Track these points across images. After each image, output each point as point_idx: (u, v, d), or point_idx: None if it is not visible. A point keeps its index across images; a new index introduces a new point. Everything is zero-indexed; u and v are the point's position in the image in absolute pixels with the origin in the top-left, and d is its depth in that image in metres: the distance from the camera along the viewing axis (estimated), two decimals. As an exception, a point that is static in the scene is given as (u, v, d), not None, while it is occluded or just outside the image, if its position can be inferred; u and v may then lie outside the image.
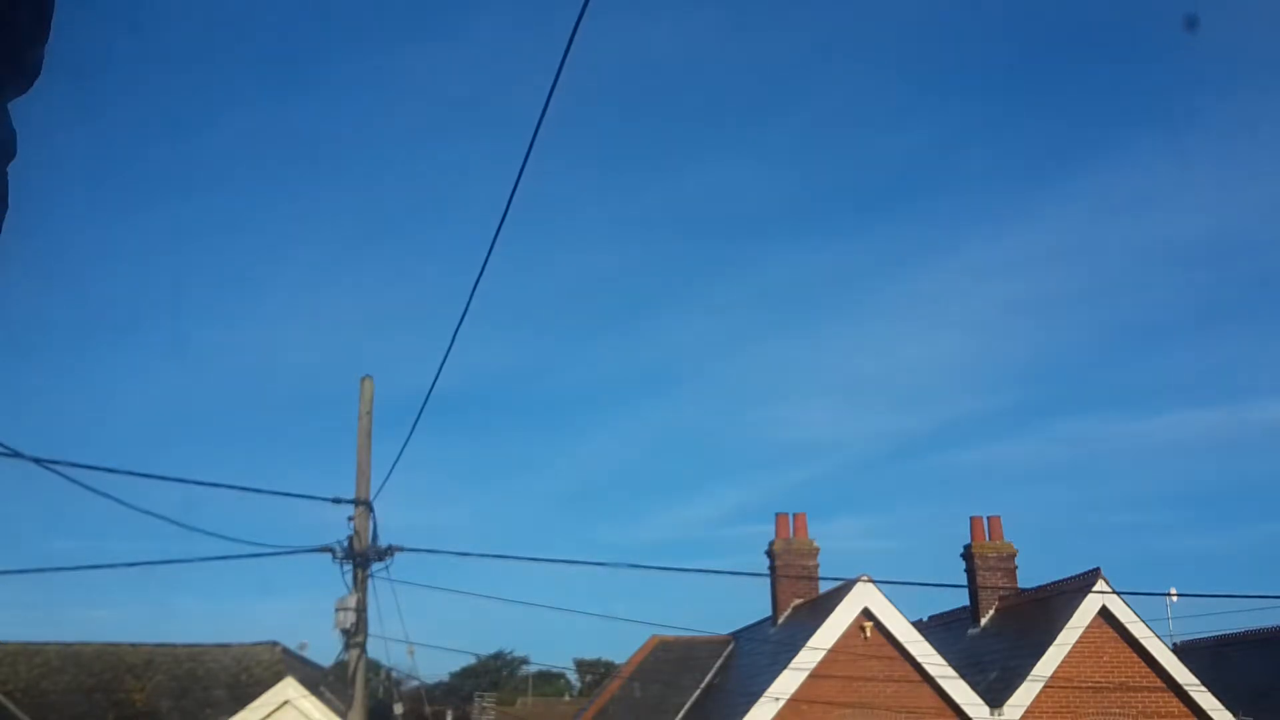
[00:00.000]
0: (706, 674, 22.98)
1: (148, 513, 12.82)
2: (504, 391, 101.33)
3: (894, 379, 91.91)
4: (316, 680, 20.94)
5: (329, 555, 14.19)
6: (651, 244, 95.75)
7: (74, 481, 10.94)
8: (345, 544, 14.28)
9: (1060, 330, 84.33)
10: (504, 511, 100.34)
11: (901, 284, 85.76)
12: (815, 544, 23.36)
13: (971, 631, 23.31)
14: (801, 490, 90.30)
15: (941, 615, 25.74)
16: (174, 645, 22.20)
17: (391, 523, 14.75)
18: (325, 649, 79.62)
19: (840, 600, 19.57)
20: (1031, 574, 30.08)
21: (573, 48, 5.84)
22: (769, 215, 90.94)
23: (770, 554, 23.42)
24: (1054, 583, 21.33)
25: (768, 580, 23.51)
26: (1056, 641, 19.46)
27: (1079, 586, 20.14)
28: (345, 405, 16.17)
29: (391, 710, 20.09)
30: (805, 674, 18.79)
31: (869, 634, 19.34)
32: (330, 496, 14.43)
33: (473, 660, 59.47)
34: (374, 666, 19.10)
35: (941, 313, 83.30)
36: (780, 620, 22.79)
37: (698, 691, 22.33)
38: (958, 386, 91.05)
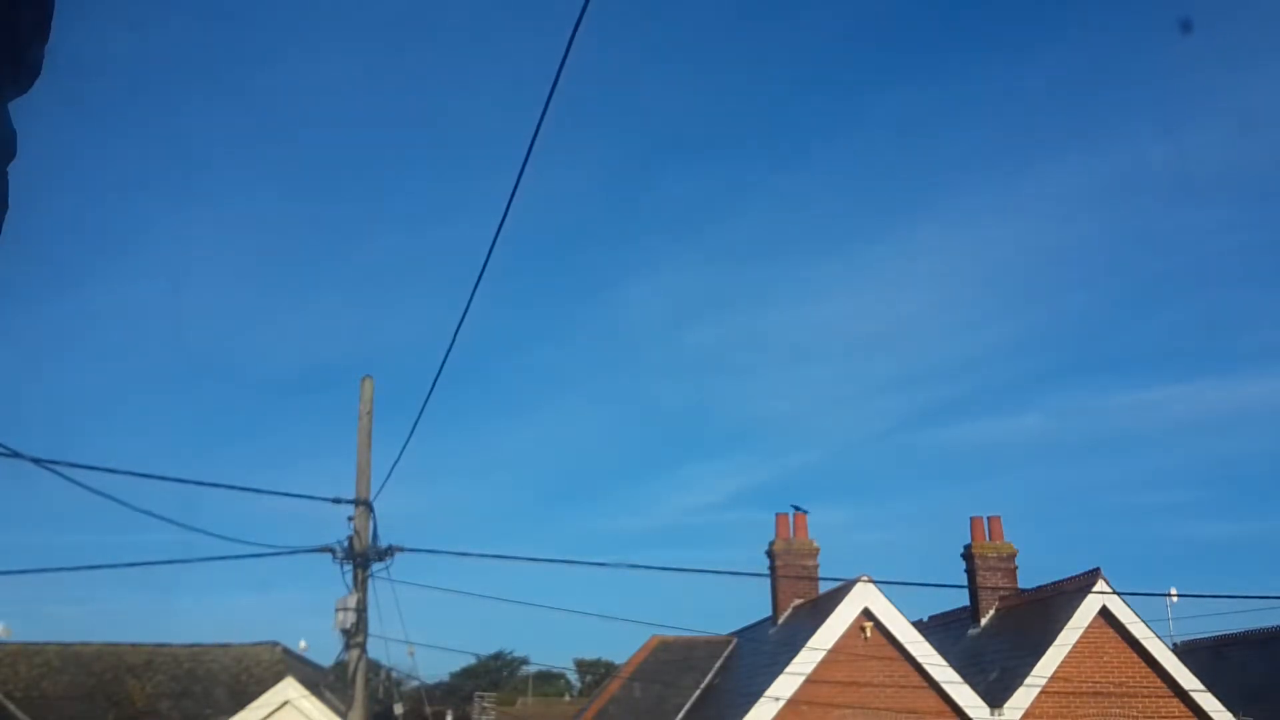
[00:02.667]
0: (706, 674, 22.97)
1: (148, 513, 12.81)
2: (457, 369, 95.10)
3: (883, 345, 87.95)
4: (316, 680, 20.94)
5: (329, 555, 14.19)
6: (612, 199, 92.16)
7: (74, 482, 10.95)
8: (345, 544, 14.28)
9: (1060, 289, 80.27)
10: (477, 500, 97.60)
11: (892, 239, 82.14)
12: (815, 544, 23.38)
13: (971, 631, 23.30)
14: (795, 474, 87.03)
15: (941, 615, 25.74)
16: (174, 645, 22.20)
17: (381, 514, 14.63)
18: (325, 649, 79.55)
19: (840, 600, 19.57)
20: (1031, 570, 29.85)
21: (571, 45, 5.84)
22: (744, 158, 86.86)
23: (770, 554, 23.44)
24: (1054, 583, 21.32)
25: (768, 579, 23.53)
26: (1057, 642, 19.46)
27: (1079, 586, 20.14)
28: (346, 405, 16.15)
29: (392, 710, 20.10)
30: (805, 674, 18.78)
31: (869, 634, 19.34)
32: (330, 496, 14.44)
33: (473, 660, 59.45)
34: (374, 666, 19.10)
35: (934, 270, 79.94)
36: (780, 620, 22.79)
37: (698, 692, 22.33)
38: (950, 353, 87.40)
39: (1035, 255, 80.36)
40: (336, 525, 14.53)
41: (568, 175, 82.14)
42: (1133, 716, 19.51)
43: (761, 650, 22.04)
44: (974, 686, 19.29)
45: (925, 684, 19.18)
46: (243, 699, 19.32)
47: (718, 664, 23.35)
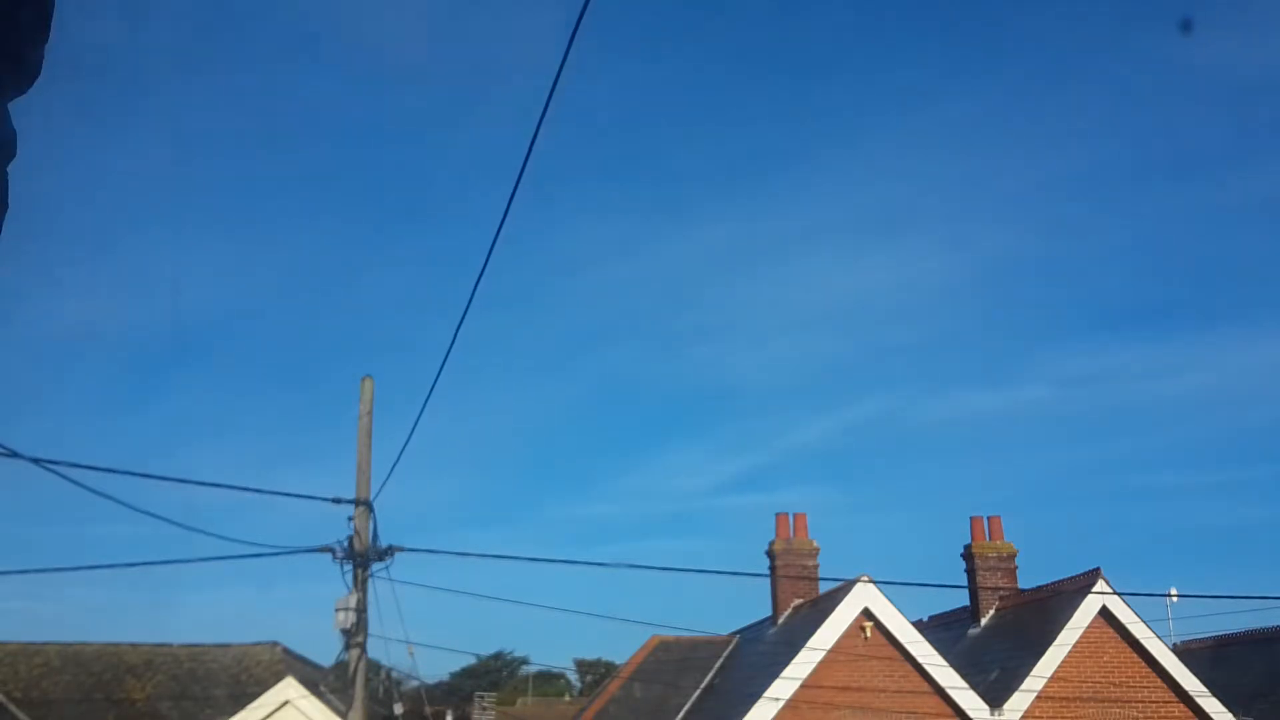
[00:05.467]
0: (706, 674, 22.97)
1: (147, 513, 12.82)
2: (425, 346, 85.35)
3: (874, 312, 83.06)
4: (316, 680, 20.94)
5: (329, 555, 14.19)
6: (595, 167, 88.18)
7: (74, 482, 10.94)
8: (345, 544, 14.28)
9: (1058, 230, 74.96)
10: (452, 489, 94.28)
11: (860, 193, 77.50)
12: (815, 544, 23.40)
13: (971, 631, 23.31)
14: (793, 455, 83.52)
15: (941, 615, 25.75)
16: (174, 645, 22.19)
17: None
18: (325, 649, 79.40)
19: (840, 600, 19.56)
20: (1032, 566, 29.42)
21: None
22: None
23: (770, 554, 23.44)
24: (1054, 583, 21.33)
25: (768, 579, 23.53)
26: (1056, 642, 19.46)
27: (1079, 586, 20.14)
28: (346, 405, 16.14)
29: (392, 710, 20.10)
30: (805, 674, 18.78)
31: (869, 634, 19.33)
32: (330, 496, 14.43)
33: (473, 660, 59.49)
34: (374, 666, 19.10)
35: (918, 218, 75.63)
36: (780, 620, 22.79)
37: (698, 692, 22.32)
38: (933, 313, 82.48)
39: (1040, 188, 74.82)
40: (337, 525, 14.54)
41: (553, 152, 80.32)
42: (1133, 717, 19.51)
43: (761, 650, 22.04)
44: (974, 687, 19.28)
45: (925, 684, 19.18)
46: (243, 699, 19.31)
47: (718, 664, 23.35)
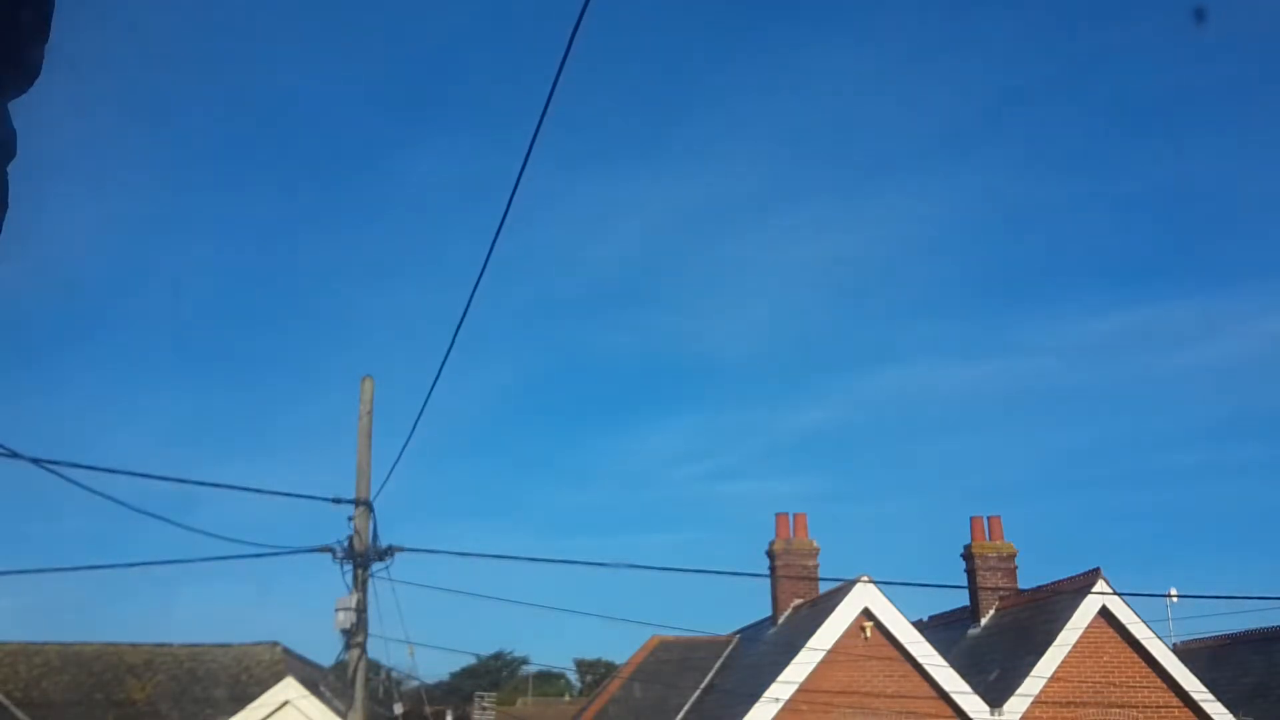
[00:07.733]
0: (706, 674, 22.97)
1: (147, 513, 12.81)
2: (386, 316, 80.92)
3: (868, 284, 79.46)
4: (316, 680, 20.95)
5: (329, 555, 14.19)
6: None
7: (73, 482, 10.94)
8: (345, 544, 14.28)
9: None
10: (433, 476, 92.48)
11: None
12: (815, 544, 23.42)
13: (971, 631, 23.32)
14: (794, 439, 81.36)
15: (941, 615, 25.76)
16: (174, 645, 22.20)
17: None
18: (325, 649, 79.23)
19: (840, 600, 19.57)
20: (1032, 564, 29.04)
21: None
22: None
23: (770, 554, 23.45)
24: (1054, 583, 21.34)
25: (768, 579, 23.54)
26: (1056, 642, 19.47)
27: (1079, 587, 20.15)
28: (346, 405, 16.14)
29: (392, 710, 20.10)
30: (805, 674, 18.78)
31: (869, 634, 19.34)
32: (330, 496, 14.43)
33: (473, 660, 59.46)
34: (374, 666, 19.10)
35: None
36: (780, 620, 22.80)
37: (698, 692, 22.32)
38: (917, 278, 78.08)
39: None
40: (336, 525, 14.55)
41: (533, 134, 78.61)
42: (1133, 718, 19.52)
43: (761, 650, 22.04)
44: (974, 687, 19.29)
45: (925, 684, 19.18)
46: (243, 699, 19.31)
47: (718, 664, 23.35)
